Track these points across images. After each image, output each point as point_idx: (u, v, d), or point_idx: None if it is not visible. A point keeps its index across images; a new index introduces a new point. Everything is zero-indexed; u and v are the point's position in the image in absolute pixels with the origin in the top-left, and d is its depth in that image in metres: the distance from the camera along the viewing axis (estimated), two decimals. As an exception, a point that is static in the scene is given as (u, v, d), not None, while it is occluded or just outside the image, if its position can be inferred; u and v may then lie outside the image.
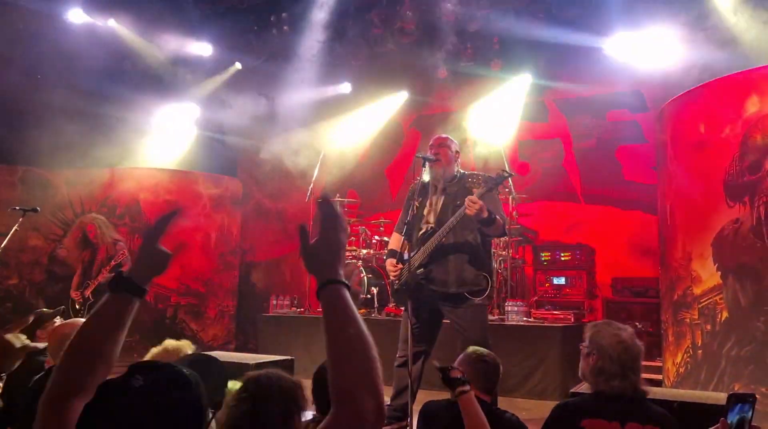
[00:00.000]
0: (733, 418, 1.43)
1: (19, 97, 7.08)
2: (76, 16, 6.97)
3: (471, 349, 2.57)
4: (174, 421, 1.00)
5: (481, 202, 3.41)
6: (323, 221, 1.22)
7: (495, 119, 7.60)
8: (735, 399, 1.46)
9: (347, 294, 1.16)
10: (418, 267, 3.73)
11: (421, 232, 3.80)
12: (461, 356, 2.56)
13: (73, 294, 5.61)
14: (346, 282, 1.18)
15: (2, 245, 5.67)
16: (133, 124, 8.06)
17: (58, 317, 4.28)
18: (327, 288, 1.16)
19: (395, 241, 4.02)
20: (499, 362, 2.58)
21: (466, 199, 3.45)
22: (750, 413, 1.43)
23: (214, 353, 5.21)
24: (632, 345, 2.14)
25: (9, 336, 2.69)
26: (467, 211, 3.43)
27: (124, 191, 7.28)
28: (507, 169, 3.71)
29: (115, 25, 7.20)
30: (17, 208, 5.89)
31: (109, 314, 1.27)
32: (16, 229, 5.76)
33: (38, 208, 5.84)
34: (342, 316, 1.14)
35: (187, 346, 3.19)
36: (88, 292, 5.55)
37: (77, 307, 5.57)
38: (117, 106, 7.93)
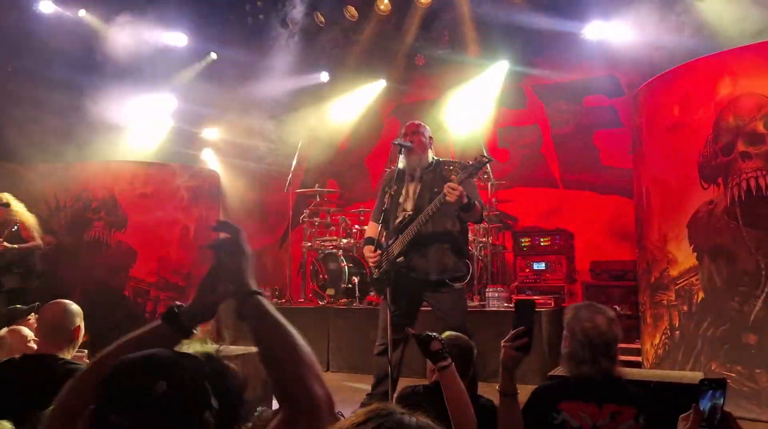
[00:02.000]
0: (705, 405, 1.43)
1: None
2: (46, 7, 6.80)
3: (445, 333, 2.57)
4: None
5: (461, 188, 3.40)
6: (216, 248, 1.24)
7: (473, 106, 7.60)
8: (707, 385, 1.46)
9: (265, 300, 1.19)
10: (398, 255, 3.72)
11: (398, 221, 3.79)
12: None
13: None
14: (259, 290, 1.21)
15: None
16: (108, 117, 7.90)
17: (32, 314, 4.20)
18: (247, 303, 1.19)
19: (372, 229, 4.00)
20: (472, 345, 2.58)
21: (445, 185, 3.44)
22: (722, 399, 1.43)
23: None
24: (606, 330, 2.09)
25: None
26: (447, 198, 3.42)
27: (99, 185, 7.14)
28: (486, 154, 3.70)
29: (87, 16, 7.03)
30: (-1, 203, 5.77)
31: (150, 341, 1.24)
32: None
33: (10, 203, 5.72)
34: (271, 322, 1.17)
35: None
36: None
37: None
38: (90, 98, 7.77)
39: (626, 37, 6.25)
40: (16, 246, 5.49)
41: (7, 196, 5.74)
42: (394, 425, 0.80)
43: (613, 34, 6.41)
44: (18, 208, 5.75)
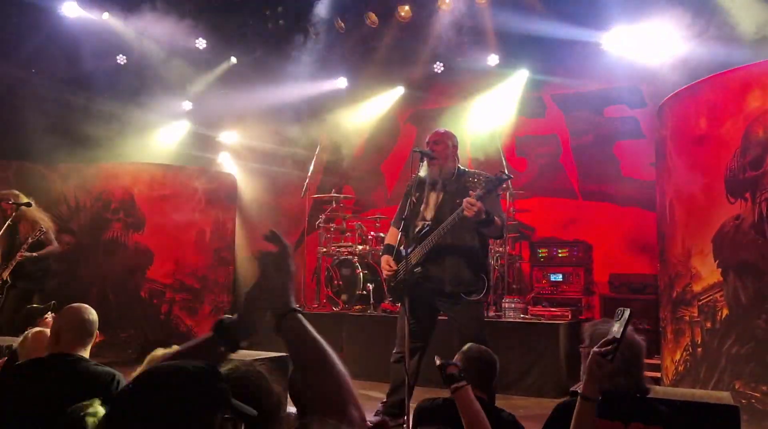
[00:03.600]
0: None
1: (12, 92, 7.00)
2: (71, 10, 6.88)
3: (467, 346, 2.52)
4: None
5: (479, 204, 3.36)
6: (262, 264, 1.25)
7: (492, 115, 7.55)
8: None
9: (303, 319, 1.21)
10: (416, 265, 3.69)
11: (417, 229, 3.75)
12: (458, 354, 2.51)
13: None
14: (298, 307, 1.22)
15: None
16: (128, 119, 7.99)
17: (50, 313, 4.22)
18: (286, 319, 1.20)
19: (392, 236, 3.97)
20: (495, 359, 2.53)
21: (464, 200, 3.41)
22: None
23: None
24: (634, 341, 2.08)
25: None
26: (465, 213, 3.39)
27: (119, 186, 7.21)
28: (506, 170, 3.67)
29: (109, 19, 7.11)
30: (10, 202, 5.83)
31: (202, 351, 1.28)
32: (9, 224, 5.71)
33: (32, 203, 5.77)
34: (309, 342, 1.18)
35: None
36: (6, 274, 5.49)
37: None
38: (111, 100, 7.85)
39: (649, 47, 6.18)
40: (35, 254, 5.56)
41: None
42: None
43: (635, 44, 6.34)
44: (37, 211, 5.80)
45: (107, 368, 2.45)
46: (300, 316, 1.21)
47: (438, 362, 2.28)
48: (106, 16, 7.09)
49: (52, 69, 7.17)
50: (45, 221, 5.74)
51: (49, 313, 4.21)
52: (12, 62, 6.74)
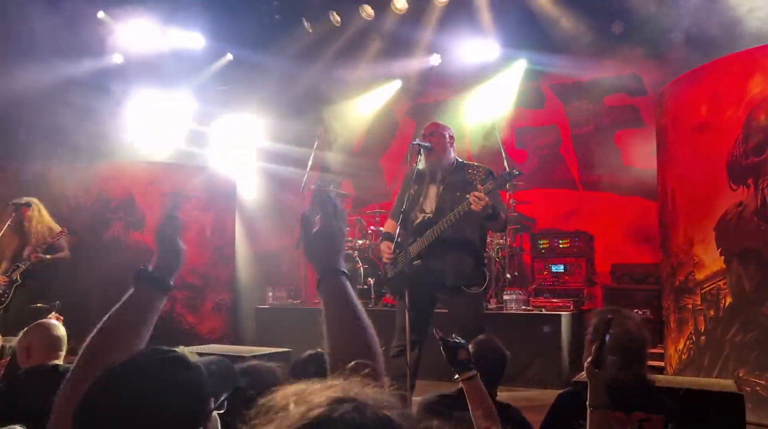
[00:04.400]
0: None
1: (11, 91, 6.98)
2: (67, 8, 6.84)
3: (481, 337, 2.49)
4: (173, 398, 0.94)
5: (487, 199, 3.36)
6: (323, 211, 1.21)
7: (490, 107, 7.51)
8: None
9: (348, 284, 1.16)
10: (415, 257, 3.67)
11: (417, 222, 3.73)
12: (471, 343, 2.47)
13: (0, 278, 5.60)
14: (346, 271, 1.17)
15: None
16: (126, 117, 7.97)
17: (53, 313, 4.23)
18: (328, 278, 1.15)
19: (390, 226, 3.95)
20: (506, 353, 2.50)
21: (471, 194, 3.39)
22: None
23: (211, 347, 5.15)
24: (637, 335, 2.07)
25: None
26: (473, 207, 3.37)
27: (118, 185, 7.19)
28: (506, 163, 3.66)
29: (106, 17, 7.08)
30: (10, 202, 5.83)
31: (132, 310, 1.24)
32: (9, 224, 5.71)
33: (31, 203, 5.78)
34: (345, 306, 1.13)
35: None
36: (16, 275, 5.53)
37: (0, 291, 5.55)
38: (109, 99, 7.83)
39: (648, 34, 6.12)
40: (48, 256, 5.61)
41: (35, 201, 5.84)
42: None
43: (634, 32, 6.28)
44: (47, 217, 5.85)
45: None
46: (344, 279, 1.16)
47: (438, 335, 2.14)
48: (101, 14, 7.06)
49: (49, 68, 7.13)
50: (57, 227, 5.81)
51: (53, 312, 4.23)
52: (9, 61, 6.71)
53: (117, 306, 1.24)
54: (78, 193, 7.15)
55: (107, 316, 1.23)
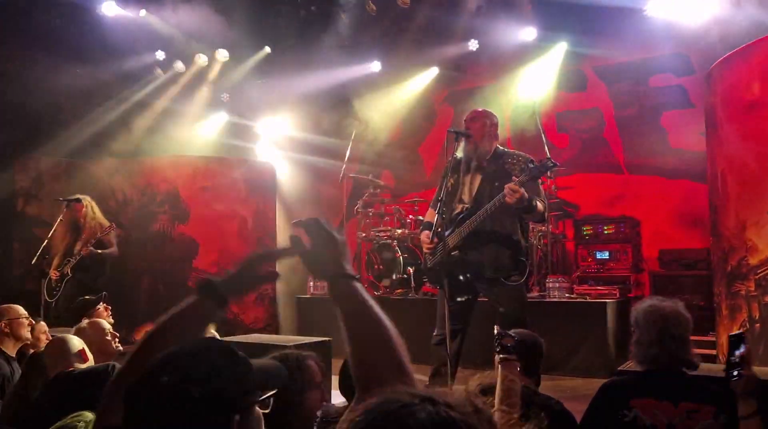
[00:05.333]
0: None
1: (58, 92, 7.24)
2: (109, 9, 7.04)
3: (516, 330, 2.46)
4: (214, 381, 0.97)
5: (521, 191, 3.29)
6: (312, 234, 1.21)
7: (530, 91, 7.35)
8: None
9: (359, 286, 1.15)
10: (453, 249, 3.64)
11: (455, 212, 3.70)
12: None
13: (52, 273, 5.78)
14: (355, 275, 1.17)
15: (49, 235, 5.88)
16: (168, 112, 8.17)
17: (101, 304, 4.37)
18: (337, 285, 1.15)
19: (430, 215, 3.93)
20: (540, 342, 2.46)
21: (506, 186, 3.33)
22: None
23: (254, 336, 5.25)
24: (671, 312, 2.06)
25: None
26: (507, 199, 3.32)
27: (163, 179, 7.38)
28: (548, 151, 3.58)
29: (147, 16, 7.24)
30: (61, 199, 6.07)
31: (189, 315, 1.26)
32: (60, 220, 5.95)
33: (81, 199, 5.99)
34: (359, 309, 1.11)
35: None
36: (67, 269, 5.71)
37: (52, 285, 5.73)
38: (153, 95, 8.04)
39: (695, 11, 5.87)
40: (99, 251, 5.79)
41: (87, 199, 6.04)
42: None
43: (680, 9, 6.02)
44: (98, 213, 6.04)
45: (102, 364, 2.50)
46: (356, 283, 1.15)
47: (496, 330, 2.19)
48: (143, 13, 7.23)
49: (94, 68, 7.36)
50: (107, 222, 5.98)
51: (101, 303, 4.37)
52: (55, 63, 6.95)
53: (178, 308, 1.27)
54: (125, 188, 7.38)
55: (168, 316, 1.27)
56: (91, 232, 5.82)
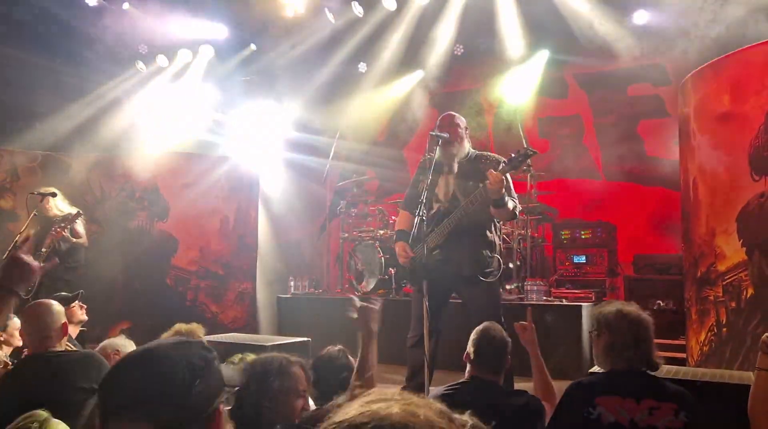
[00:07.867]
0: None
1: (36, 83, 7.15)
2: (91, 0, 6.97)
3: (481, 326, 2.53)
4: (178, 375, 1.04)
5: (503, 177, 3.37)
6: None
7: (513, 96, 7.45)
8: None
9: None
10: (434, 248, 3.70)
11: (432, 212, 3.76)
12: (473, 334, 2.52)
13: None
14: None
15: (21, 229, 5.79)
16: (150, 108, 8.11)
17: (76, 302, 4.34)
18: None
19: (404, 219, 3.98)
20: (507, 340, 2.53)
21: (488, 173, 3.41)
22: None
23: (233, 335, 5.25)
24: (638, 317, 2.18)
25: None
26: (489, 186, 3.39)
27: (143, 175, 7.32)
28: (529, 147, 3.64)
29: (130, 8, 7.19)
30: (36, 192, 5.97)
31: None
32: (34, 214, 5.86)
33: (57, 193, 5.90)
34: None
35: (198, 329, 3.21)
36: (40, 261, 5.58)
37: None
38: (133, 89, 7.98)
39: (673, 23, 6.01)
40: (72, 237, 5.68)
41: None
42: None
43: (659, 21, 6.17)
44: (66, 204, 5.94)
45: (84, 351, 2.53)
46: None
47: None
48: (126, 6, 7.17)
49: (75, 60, 7.28)
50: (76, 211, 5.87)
51: (77, 301, 4.34)
52: (35, 54, 6.86)
53: None
54: (103, 183, 7.31)
55: None
56: (62, 219, 5.69)
